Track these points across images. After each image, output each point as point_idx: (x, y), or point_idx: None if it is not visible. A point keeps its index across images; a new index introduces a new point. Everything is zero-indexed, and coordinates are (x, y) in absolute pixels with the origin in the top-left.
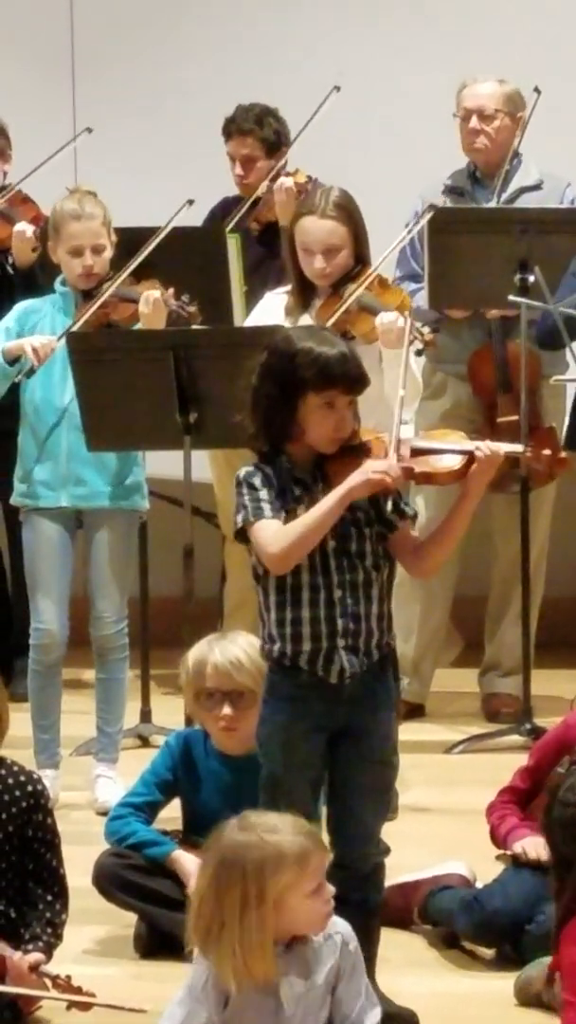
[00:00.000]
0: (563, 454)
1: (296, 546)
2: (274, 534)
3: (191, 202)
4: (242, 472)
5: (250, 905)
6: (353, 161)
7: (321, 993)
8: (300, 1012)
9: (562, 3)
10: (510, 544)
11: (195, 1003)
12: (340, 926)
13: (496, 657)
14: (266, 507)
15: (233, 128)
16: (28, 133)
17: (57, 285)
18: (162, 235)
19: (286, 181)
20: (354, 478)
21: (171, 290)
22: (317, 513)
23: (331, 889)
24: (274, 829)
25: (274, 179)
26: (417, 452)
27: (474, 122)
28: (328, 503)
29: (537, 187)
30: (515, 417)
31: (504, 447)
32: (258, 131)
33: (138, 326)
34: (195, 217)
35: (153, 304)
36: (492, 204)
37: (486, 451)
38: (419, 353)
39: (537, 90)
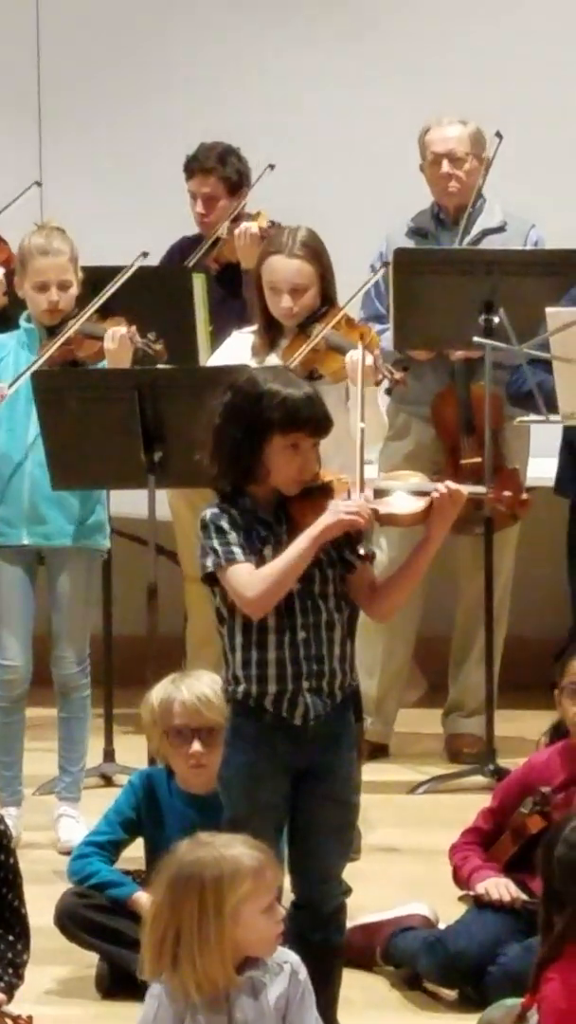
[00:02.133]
0: (524, 496)
1: (273, 590)
2: (249, 578)
3: (145, 254)
4: (208, 514)
5: (208, 915)
6: (318, 201)
7: (272, 1020)
8: None
9: (523, 44)
10: (474, 585)
11: None
12: (290, 956)
13: (459, 697)
14: (237, 550)
15: (195, 166)
16: None
17: (22, 321)
18: (126, 276)
19: (250, 227)
20: (326, 519)
21: (134, 327)
22: (291, 555)
23: (282, 911)
24: (229, 844)
25: (235, 219)
26: (380, 493)
27: (446, 167)
28: (301, 545)
29: (501, 229)
30: (479, 459)
31: (466, 488)
32: (220, 170)
33: (104, 363)
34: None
35: (119, 341)
36: (456, 246)
37: (447, 492)
38: (388, 392)
39: (499, 135)
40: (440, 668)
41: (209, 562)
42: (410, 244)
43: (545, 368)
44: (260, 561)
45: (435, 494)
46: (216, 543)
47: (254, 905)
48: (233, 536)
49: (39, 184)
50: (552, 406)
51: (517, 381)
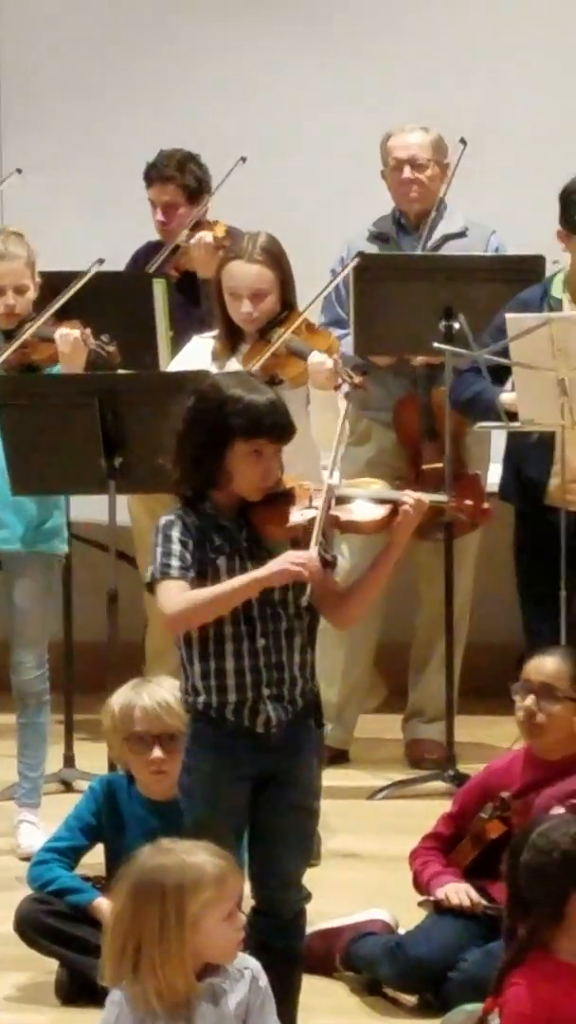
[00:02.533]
0: (486, 504)
1: (193, 614)
2: (175, 596)
3: (101, 261)
4: (163, 520)
5: (169, 923)
6: (279, 206)
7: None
8: None
9: (487, 52)
10: (434, 591)
11: None
12: (250, 962)
13: (420, 703)
14: (174, 563)
15: (154, 174)
16: None
17: None
18: (82, 283)
19: (205, 236)
20: (273, 566)
21: (88, 330)
22: (225, 589)
23: (242, 918)
24: (192, 851)
25: (195, 227)
26: (342, 500)
27: (407, 172)
28: (240, 583)
29: (462, 234)
30: (440, 464)
31: (428, 497)
32: (179, 177)
33: (59, 366)
34: (117, 261)
35: (72, 343)
36: (418, 251)
37: (411, 501)
38: (347, 396)
39: (463, 141)
40: (400, 674)
41: (148, 571)
42: (372, 249)
43: (491, 376)
44: (212, 571)
45: (403, 505)
46: (159, 552)
47: (215, 913)
48: (176, 547)
49: (19, 171)
50: (489, 416)
51: (457, 388)
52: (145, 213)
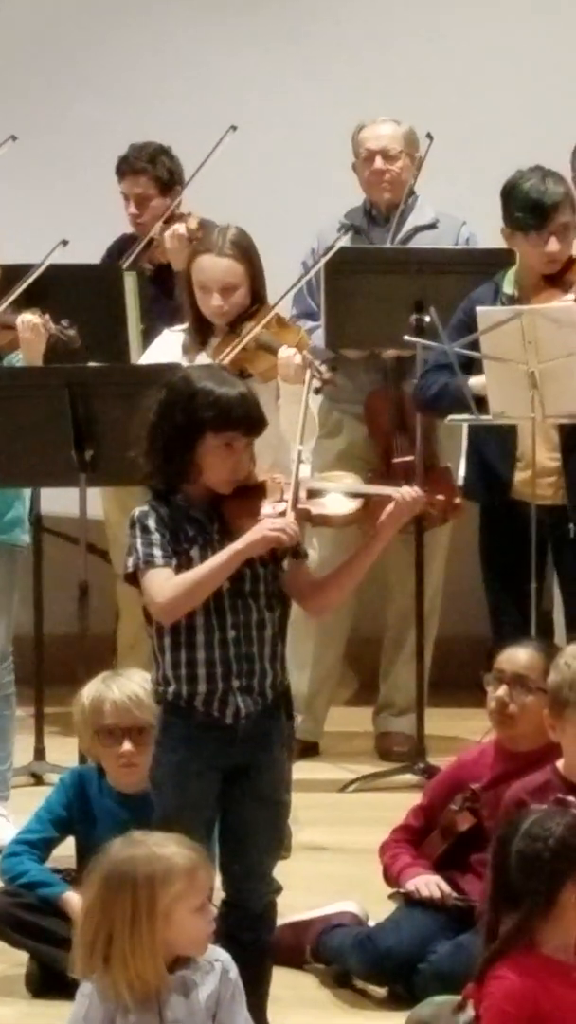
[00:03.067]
0: (458, 499)
1: (184, 599)
2: (163, 584)
3: (65, 243)
4: (136, 512)
5: (140, 915)
6: (249, 199)
7: (202, 1019)
8: None
9: (454, 46)
10: (405, 584)
11: None
12: (220, 954)
13: (390, 696)
14: (157, 553)
15: (126, 167)
16: None
17: None
18: (42, 268)
19: (178, 228)
20: (251, 535)
21: (47, 315)
22: (210, 567)
23: (213, 910)
24: (163, 843)
25: (168, 219)
26: (313, 494)
27: (379, 163)
28: (222, 558)
29: (432, 226)
30: (411, 457)
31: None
32: (151, 170)
33: (19, 353)
34: (91, 253)
35: (32, 329)
36: (388, 243)
37: (408, 497)
38: (317, 391)
39: (430, 136)
40: (371, 667)
41: (130, 562)
42: (343, 240)
43: (453, 371)
44: (186, 561)
45: (398, 496)
46: (139, 543)
47: (186, 905)
48: (156, 537)
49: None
50: (457, 406)
51: (422, 387)
52: (113, 206)
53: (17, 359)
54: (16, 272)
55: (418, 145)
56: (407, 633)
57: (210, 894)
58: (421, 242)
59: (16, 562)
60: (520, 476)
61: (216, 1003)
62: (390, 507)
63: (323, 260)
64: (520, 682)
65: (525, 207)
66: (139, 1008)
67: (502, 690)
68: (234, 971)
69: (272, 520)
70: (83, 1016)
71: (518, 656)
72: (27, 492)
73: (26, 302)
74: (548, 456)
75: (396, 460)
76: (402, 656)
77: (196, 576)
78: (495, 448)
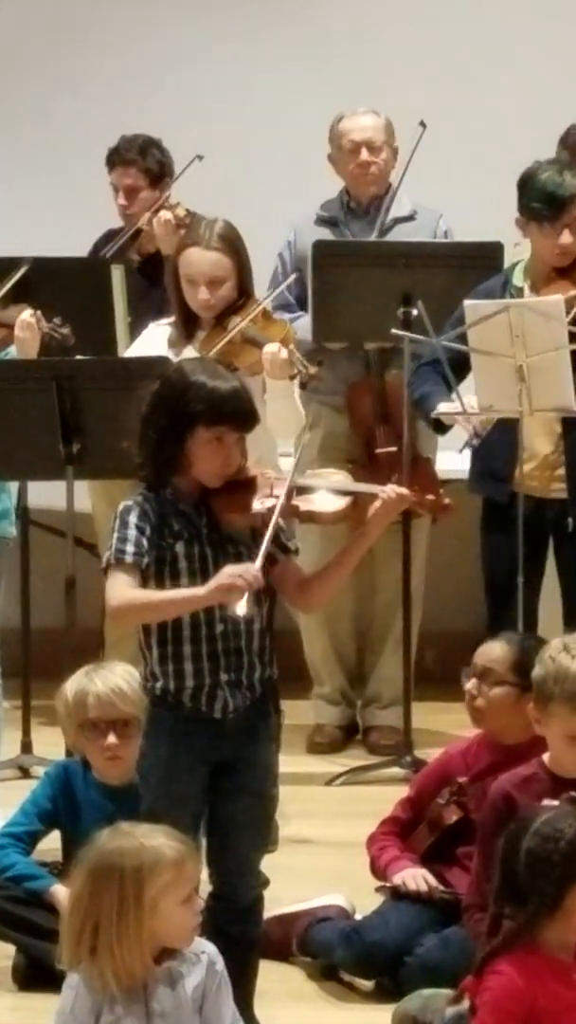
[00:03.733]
0: (447, 500)
1: (133, 613)
2: (121, 591)
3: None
4: (122, 505)
5: (127, 906)
6: (236, 192)
7: (189, 1010)
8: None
9: (441, 37)
10: (390, 577)
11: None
12: (206, 946)
13: (377, 689)
14: (129, 549)
15: (116, 158)
16: None
17: None
18: (26, 268)
19: (164, 214)
20: (210, 588)
21: (39, 312)
22: (170, 597)
23: (200, 902)
24: (150, 835)
25: (157, 211)
26: (302, 490)
27: (365, 155)
28: (182, 596)
29: (411, 218)
30: (393, 448)
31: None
32: (141, 161)
33: (11, 349)
34: (80, 247)
35: (26, 327)
36: (370, 235)
37: (392, 495)
38: (303, 386)
39: (423, 124)
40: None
41: (105, 555)
42: (321, 233)
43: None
44: (171, 558)
45: (383, 494)
46: (115, 537)
47: (173, 896)
48: (132, 533)
49: None
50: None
51: (413, 384)
52: (102, 199)
53: (7, 356)
54: (5, 264)
55: (395, 136)
56: (393, 626)
57: (197, 886)
58: (400, 234)
59: (2, 554)
60: (523, 469)
61: (202, 995)
62: (376, 504)
63: (287, 282)
64: (487, 675)
65: (541, 198)
66: (126, 999)
67: (471, 683)
68: (220, 963)
69: (235, 570)
70: (70, 1008)
71: (490, 650)
72: (13, 485)
73: (13, 297)
74: (550, 449)
75: (379, 451)
76: (387, 649)
77: (154, 600)
78: (499, 441)
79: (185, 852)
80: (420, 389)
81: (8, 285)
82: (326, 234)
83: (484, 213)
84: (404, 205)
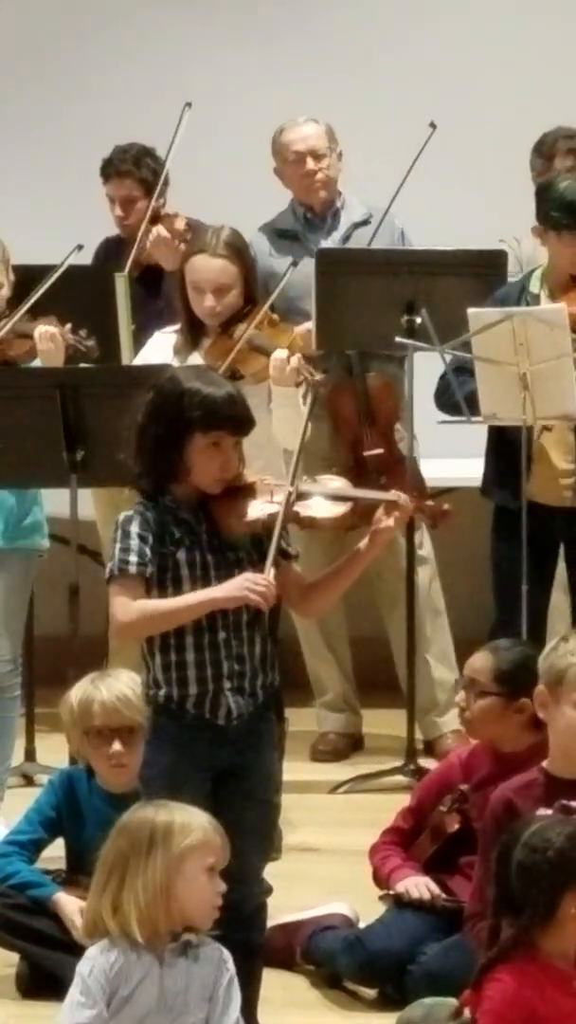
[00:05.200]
0: (446, 505)
1: (143, 626)
2: (128, 605)
3: (80, 247)
4: (122, 516)
5: (155, 851)
6: (235, 200)
7: (197, 995)
8: (178, 1006)
9: (441, 37)
10: (401, 589)
11: (86, 996)
12: (219, 947)
13: (432, 696)
14: (132, 559)
15: (111, 170)
16: None
17: None
18: (59, 271)
19: (160, 231)
20: (231, 589)
21: (68, 325)
22: (178, 604)
23: (222, 885)
24: (183, 807)
25: (153, 219)
26: (301, 497)
27: (311, 163)
28: (194, 600)
29: (366, 222)
30: (381, 450)
31: (386, 496)
32: (136, 172)
33: (37, 361)
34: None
35: (50, 339)
36: (329, 243)
37: (403, 502)
38: (308, 393)
39: (433, 124)
40: (367, 667)
41: (108, 567)
42: (281, 246)
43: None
44: (173, 565)
45: (399, 500)
46: (118, 548)
47: (200, 858)
48: (135, 543)
49: None
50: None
51: (450, 389)
52: (95, 209)
53: None
54: (23, 274)
55: (337, 140)
56: (431, 636)
57: (221, 866)
58: (359, 239)
59: (33, 566)
60: (536, 477)
61: (213, 988)
62: (391, 515)
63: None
64: (472, 686)
65: (560, 206)
66: (142, 971)
67: (459, 695)
68: (231, 964)
69: (255, 581)
70: (88, 971)
71: (473, 659)
72: (44, 497)
73: (31, 310)
74: (563, 458)
75: (367, 453)
76: (420, 658)
77: (163, 609)
78: (512, 449)
79: (216, 827)
80: (467, 387)
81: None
82: (286, 247)
83: (489, 213)
84: (357, 209)
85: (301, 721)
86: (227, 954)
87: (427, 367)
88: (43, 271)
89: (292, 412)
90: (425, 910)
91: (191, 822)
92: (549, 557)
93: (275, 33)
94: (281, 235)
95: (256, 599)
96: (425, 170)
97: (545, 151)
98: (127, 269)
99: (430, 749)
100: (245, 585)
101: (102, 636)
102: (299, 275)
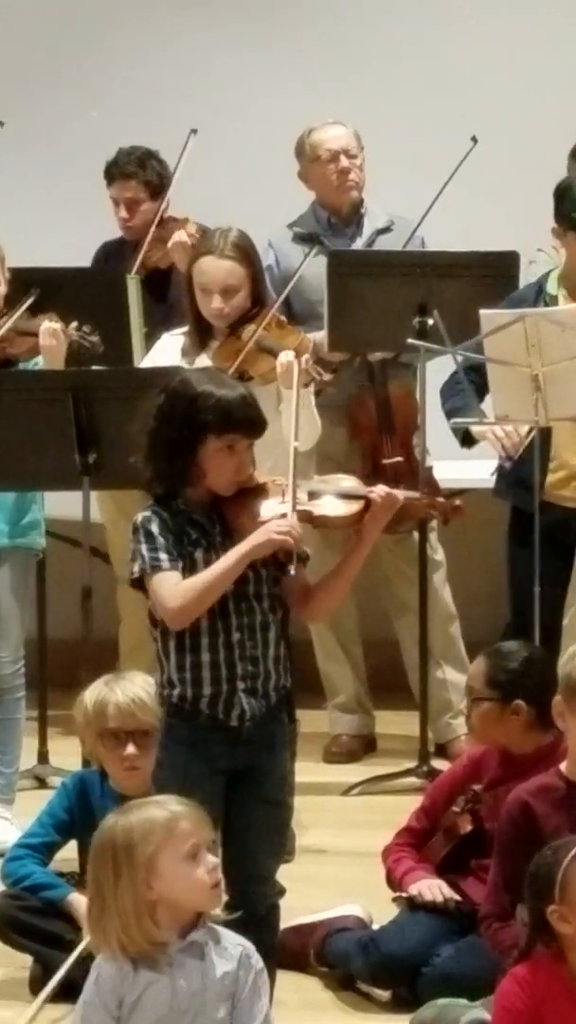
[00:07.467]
0: (458, 501)
1: (195, 603)
2: (173, 589)
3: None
4: (139, 518)
5: (121, 874)
6: (241, 203)
7: (215, 994)
8: (194, 1007)
9: (443, 39)
10: (412, 593)
11: (94, 999)
12: (244, 942)
13: (448, 700)
14: (164, 557)
15: (116, 172)
16: None
17: None
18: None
19: (181, 235)
20: (257, 537)
21: (73, 324)
22: (217, 570)
23: (214, 860)
24: (141, 806)
25: (160, 223)
26: (312, 495)
27: (345, 161)
28: (229, 561)
29: (388, 229)
30: (399, 459)
31: (400, 493)
32: (141, 174)
33: (39, 359)
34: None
35: (53, 335)
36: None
37: (381, 495)
38: (317, 394)
39: (474, 139)
40: (380, 669)
41: (136, 567)
42: (299, 250)
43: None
44: (190, 564)
45: (374, 496)
46: (144, 548)
47: (170, 854)
48: (161, 542)
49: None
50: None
51: (443, 393)
52: (97, 211)
53: (33, 366)
54: (23, 275)
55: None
56: (449, 639)
57: (206, 844)
58: (382, 246)
59: (32, 566)
60: (552, 478)
61: (235, 984)
62: (370, 509)
63: (276, 302)
64: (470, 692)
65: None
66: (148, 975)
67: (464, 702)
68: (257, 960)
69: (277, 522)
70: (93, 992)
71: (472, 665)
72: (42, 496)
73: (31, 308)
74: None
75: (386, 461)
76: (432, 662)
77: (205, 580)
78: (529, 451)
79: (179, 811)
80: (451, 401)
81: (24, 307)
82: (306, 252)
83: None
84: (380, 217)
85: (313, 723)
86: (251, 949)
87: (441, 371)
88: (45, 272)
89: (304, 414)
90: (438, 912)
91: (152, 820)
92: (567, 560)
93: (288, 38)
94: (304, 239)
95: (281, 538)
96: (454, 180)
97: None
98: (133, 272)
99: (443, 751)
100: (269, 528)
101: (114, 638)
102: (319, 279)
